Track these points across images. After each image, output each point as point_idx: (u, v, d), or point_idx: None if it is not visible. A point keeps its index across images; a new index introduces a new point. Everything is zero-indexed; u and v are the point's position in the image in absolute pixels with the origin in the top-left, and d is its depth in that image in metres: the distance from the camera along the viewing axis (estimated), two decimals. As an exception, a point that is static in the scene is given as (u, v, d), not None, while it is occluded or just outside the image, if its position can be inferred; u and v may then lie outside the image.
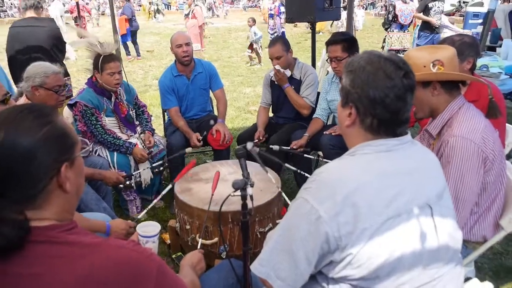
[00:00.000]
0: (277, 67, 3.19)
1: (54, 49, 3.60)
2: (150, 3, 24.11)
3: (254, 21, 10.43)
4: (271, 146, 2.88)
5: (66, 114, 3.18)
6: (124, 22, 10.51)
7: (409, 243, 1.06)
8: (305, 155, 2.83)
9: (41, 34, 3.49)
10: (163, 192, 2.43)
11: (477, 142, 1.56)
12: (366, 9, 25.38)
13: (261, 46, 10.04)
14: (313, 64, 4.02)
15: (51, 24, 3.70)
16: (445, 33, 7.00)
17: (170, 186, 2.39)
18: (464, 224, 1.71)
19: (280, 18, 12.94)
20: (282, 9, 13.31)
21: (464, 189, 1.59)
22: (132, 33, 10.84)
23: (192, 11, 9.86)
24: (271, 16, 13.15)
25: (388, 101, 1.09)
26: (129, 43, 10.97)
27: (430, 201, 1.12)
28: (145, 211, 2.29)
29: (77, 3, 10.68)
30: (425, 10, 6.33)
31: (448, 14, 13.61)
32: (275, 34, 12.72)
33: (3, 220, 0.79)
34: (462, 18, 13.14)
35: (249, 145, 2.33)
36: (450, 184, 1.57)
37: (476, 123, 1.61)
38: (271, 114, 3.63)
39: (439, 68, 1.61)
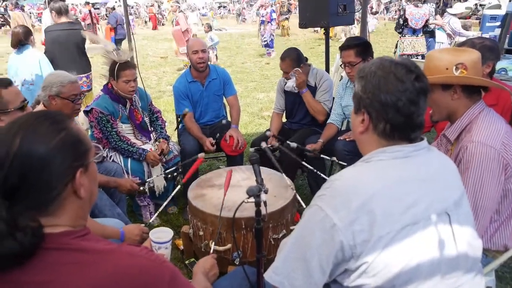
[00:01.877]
0: (297, 69, 3.14)
1: (84, 47, 4.34)
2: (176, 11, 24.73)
3: (209, 27, 10.32)
4: (288, 142, 2.83)
5: (82, 120, 3.23)
6: (109, 31, 10.73)
7: (426, 252, 1.04)
8: (321, 155, 2.82)
9: (77, 35, 4.21)
10: (173, 193, 2.46)
11: (497, 148, 1.52)
12: (379, 13, 25.21)
13: (216, 55, 9.99)
14: (327, 69, 4.00)
15: (80, 26, 4.56)
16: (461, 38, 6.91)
17: (179, 187, 2.40)
18: (484, 232, 1.66)
19: (272, 24, 12.79)
20: (274, 15, 13.22)
21: (484, 197, 1.54)
22: (117, 42, 10.99)
23: (176, 17, 9.98)
24: (262, 22, 13.05)
25: (401, 105, 1.08)
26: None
27: (448, 208, 1.10)
28: (156, 214, 2.30)
29: (89, 11, 11.15)
30: None
31: (464, 17, 13.41)
32: (265, 41, 12.65)
33: (18, 226, 0.80)
34: (478, 21, 12.94)
35: (263, 144, 2.36)
36: (469, 191, 1.53)
37: (496, 128, 1.57)
38: (284, 120, 3.62)
39: (462, 72, 1.56)
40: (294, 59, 3.16)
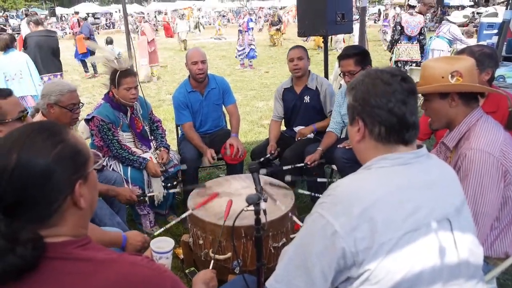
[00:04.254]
0: (296, 137, 3.33)
1: (59, 50, 5.50)
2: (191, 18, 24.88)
3: (108, 41, 10.17)
4: (284, 168, 2.91)
5: (82, 129, 3.24)
6: (83, 41, 10.82)
7: (428, 259, 1.04)
8: (318, 179, 2.83)
9: (53, 41, 5.44)
10: (182, 216, 2.40)
11: (496, 155, 1.52)
12: (375, 22, 25.41)
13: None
14: (326, 77, 4.02)
15: (55, 33, 5.90)
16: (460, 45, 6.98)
17: (189, 212, 2.35)
18: (484, 240, 1.66)
19: (249, 34, 12.07)
20: (251, 24, 12.33)
21: (484, 204, 1.54)
22: (92, 52, 10.95)
23: (142, 28, 9.99)
24: (241, 32, 12.32)
25: (391, 106, 1.11)
26: (87, 61, 11.01)
27: (449, 214, 1.10)
28: (162, 229, 2.28)
29: (77, 20, 11.40)
30: None
31: (462, 25, 13.51)
32: (243, 52, 11.96)
33: (19, 241, 0.79)
34: (476, 29, 13.04)
35: (263, 171, 2.40)
36: (469, 199, 1.53)
37: (494, 135, 1.57)
38: (284, 128, 3.63)
39: (458, 79, 1.58)
40: (304, 49, 3.38)
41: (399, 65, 6.63)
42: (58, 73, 5.42)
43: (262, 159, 3.17)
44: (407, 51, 6.55)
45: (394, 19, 17.06)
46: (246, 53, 11.98)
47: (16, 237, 0.79)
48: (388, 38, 7.10)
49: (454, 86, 1.60)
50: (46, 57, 5.19)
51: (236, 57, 12.36)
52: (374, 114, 1.13)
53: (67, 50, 11.80)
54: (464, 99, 1.64)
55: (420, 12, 6.44)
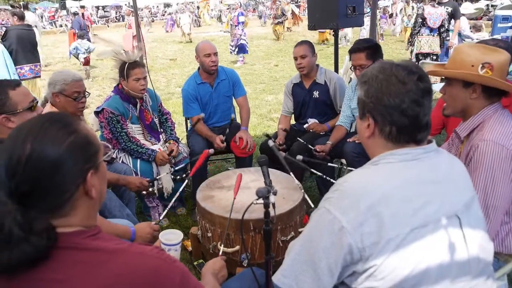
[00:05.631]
0: (306, 126, 3.28)
1: (36, 43, 5.99)
2: (209, 11, 24.88)
3: (80, 36, 10.16)
4: (299, 139, 2.94)
5: (91, 121, 3.27)
6: (73, 36, 10.90)
7: (436, 255, 1.03)
8: (329, 164, 2.79)
9: (32, 34, 5.91)
10: (180, 189, 2.45)
11: (510, 147, 1.49)
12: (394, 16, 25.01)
13: (82, 62, 9.72)
14: (336, 72, 3.99)
15: (32, 27, 6.33)
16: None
17: (186, 182, 2.43)
18: (495, 235, 1.64)
19: (239, 28, 11.58)
20: (242, 19, 11.83)
21: (495, 196, 1.52)
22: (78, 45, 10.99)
23: (129, 21, 9.96)
24: (231, 26, 11.93)
25: (405, 107, 1.07)
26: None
27: (459, 211, 1.09)
28: (164, 212, 2.29)
29: (82, 14, 11.53)
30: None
31: (475, 18, 13.25)
32: (234, 47, 11.57)
33: (33, 230, 0.81)
34: (490, 22, 12.78)
35: (270, 142, 2.37)
36: (479, 191, 1.51)
37: (509, 128, 1.54)
38: (293, 122, 3.62)
39: (487, 72, 1.52)
40: (310, 45, 3.27)
41: (420, 57, 6.50)
42: (38, 64, 5.93)
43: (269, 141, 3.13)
44: (429, 43, 6.44)
45: (400, 12, 16.76)
46: (237, 48, 11.58)
47: (31, 227, 0.81)
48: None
49: (481, 78, 1.54)
50: (27, 49, 5.66)
51: (230, 53, 11.93)
52: (386, 113, 1.09)
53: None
54: (487, 93, 1.58)
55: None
